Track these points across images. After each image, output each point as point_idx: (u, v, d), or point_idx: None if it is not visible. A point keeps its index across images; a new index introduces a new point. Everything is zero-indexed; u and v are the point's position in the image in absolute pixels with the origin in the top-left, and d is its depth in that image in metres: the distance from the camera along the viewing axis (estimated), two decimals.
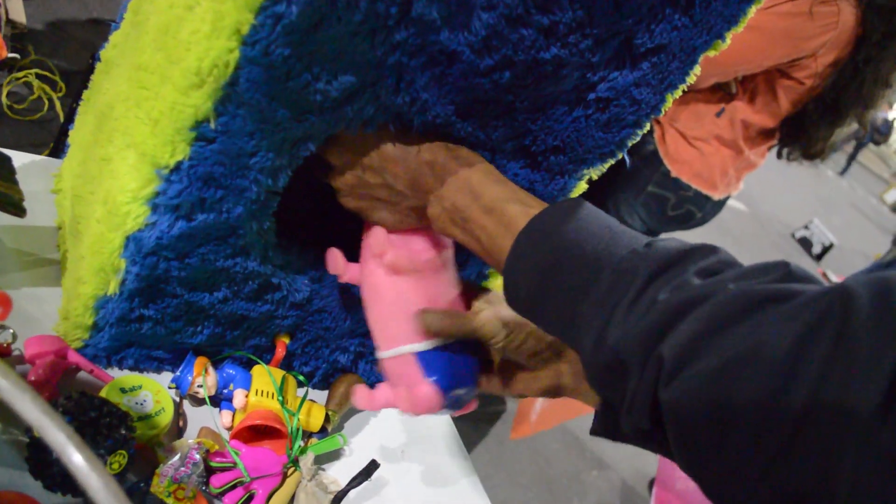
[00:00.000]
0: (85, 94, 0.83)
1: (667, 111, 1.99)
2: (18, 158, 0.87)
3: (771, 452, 0.36)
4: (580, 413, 2.45)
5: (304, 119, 0.57)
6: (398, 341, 0.67)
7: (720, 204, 2.03)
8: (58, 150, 1.78)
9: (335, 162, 0.66)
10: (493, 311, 0.67)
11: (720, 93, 1.87)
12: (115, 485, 0.32)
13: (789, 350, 0.36)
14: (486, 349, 0.73)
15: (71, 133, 0.85)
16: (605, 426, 0.58)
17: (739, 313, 0.40)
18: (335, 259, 0.72)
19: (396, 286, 0.68)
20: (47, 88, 2.34)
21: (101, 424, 0.60)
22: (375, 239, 0.68)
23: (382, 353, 0.69)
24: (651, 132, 1.96)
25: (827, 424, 0.34)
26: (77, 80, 2.30)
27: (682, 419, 0.40)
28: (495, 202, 0.59)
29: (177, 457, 0.66)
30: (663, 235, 1.42)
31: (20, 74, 2.30)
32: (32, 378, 0.66)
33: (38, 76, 2.33)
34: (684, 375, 0.40)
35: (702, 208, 1.99)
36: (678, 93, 0.72)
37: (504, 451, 2.74)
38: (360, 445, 0.89)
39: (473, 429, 2.74)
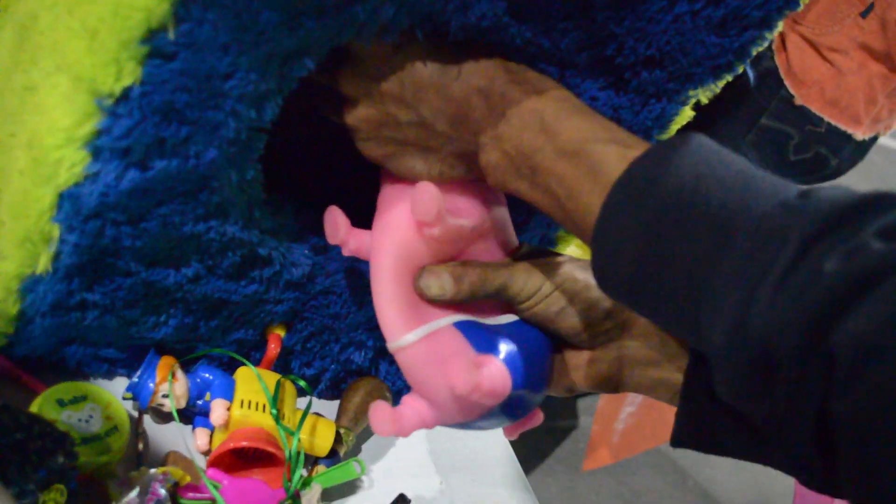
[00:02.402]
0: (1, 1, 0.82)
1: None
2: None
3: None
4: None
5: (298, 24, 0.56)
6: (432, 315, 0.66)
7: (866, 146, 1.99)
8: None
9: (348, 91, 0.65)
10: (526, 266, 0.66)
11: None
12: None
13: None
14: None
15: None
16: (690, 432, 0.58)
17: None
18: (336, 221, 0.71)
19: (435, 254, 0.66)
20: None
21: (31, 450, 0.60)
22: (425, 201, 0.64)
23: (406, 337, 0.65)
24: None
25: None
26: None
27: (868, 440, 0.39)
28: (578, 142, 0.57)
29: (135, 492, 0.66)
30: None
31: None
32: None
33: None
34: (870, 379, 0.38)
35: (838, 152, 1.94)
36: None
37: (578, 483, 2.75)
38: (383, 474, 0.89)
39: (534, 452, 2.76)
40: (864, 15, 1.82)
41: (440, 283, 0.64)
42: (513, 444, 1.00)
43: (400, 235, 0.66)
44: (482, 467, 0.97)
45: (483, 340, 0.65)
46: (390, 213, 0.67)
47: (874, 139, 1.97)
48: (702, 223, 0.48)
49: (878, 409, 0.38)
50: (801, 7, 0.70)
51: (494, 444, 1.01)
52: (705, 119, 1.99)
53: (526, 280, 0.65)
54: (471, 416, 0.65)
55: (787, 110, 1.89)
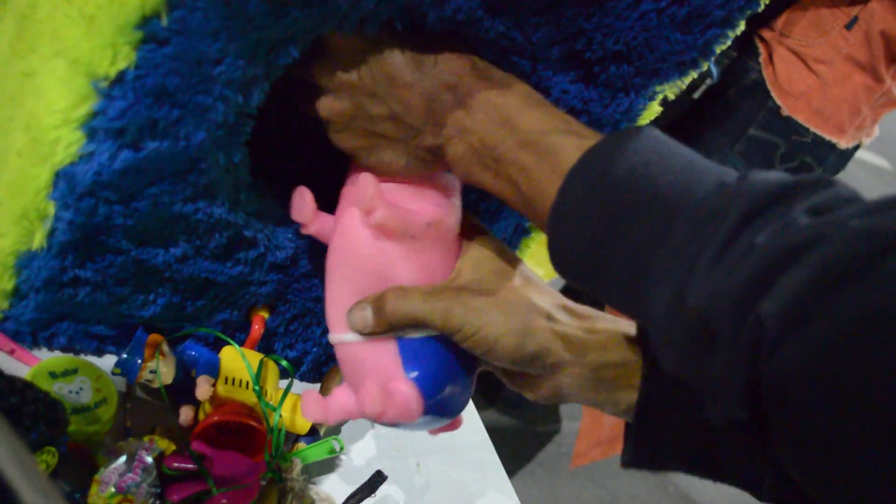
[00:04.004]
0: None
1: (776, 22, 1.99)
2: None
3: None
4: None
5: (285, 13, 0.59)
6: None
7: (848, 155, 2.01)
8: None
9: (323, 81, 0.67)
10: (456, 293, 0.67)
11: None
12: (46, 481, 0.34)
13: None
14: None
15: None
16: (642, 449, 0.60)
17: (864, 260, 0.39)
18: (303, 201, 0.73)
19: (382, 253, 0.68)
20: None
21: (24, 413, 0.63)
22: (363, 190, 0.67)
23: (342, 336, 0.69)
24: (753, 54, 1.95)
25: None
26: None
27: (790, 401, 0.40)
28: (538, 134, 0.60)
29: (122, 459, 0.69)
30: None
31: None
32: None
33: None
34: (794, 343, 0.40)
35: (823, 160, 1.97)
36: None
37: (557, 484, 2.77)
38: (361, 454, 0.92)
39: (516, 456, 2.77)
40: (849, 27, 1.85)
41: (361, 317, 0.66)
42: (494, 446, 1.04)
43: (347, 231, 0.69)
44: (457, 450, 1.00)
45: (411, 352, 0.67)
46: (345, 214, 0.70)
47: (856, 147, 2.00)
48: (649, 206, 0.50)
49: (800, 372, 0.39)
50: (762, 7, 0.74)
51: (469, 430, 1.04)
52: (695, 129, 2.03)
53: (448, 315, 0.65)
54: (390, 422, 0.67)
55: (775, 121, 1.91)
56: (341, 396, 0.69)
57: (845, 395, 0.38)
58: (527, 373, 0.69)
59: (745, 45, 1.98)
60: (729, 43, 0.76)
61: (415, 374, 0.67)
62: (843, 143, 1.94)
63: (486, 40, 0.68)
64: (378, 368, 0.67)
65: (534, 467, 2.78)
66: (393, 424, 0.68)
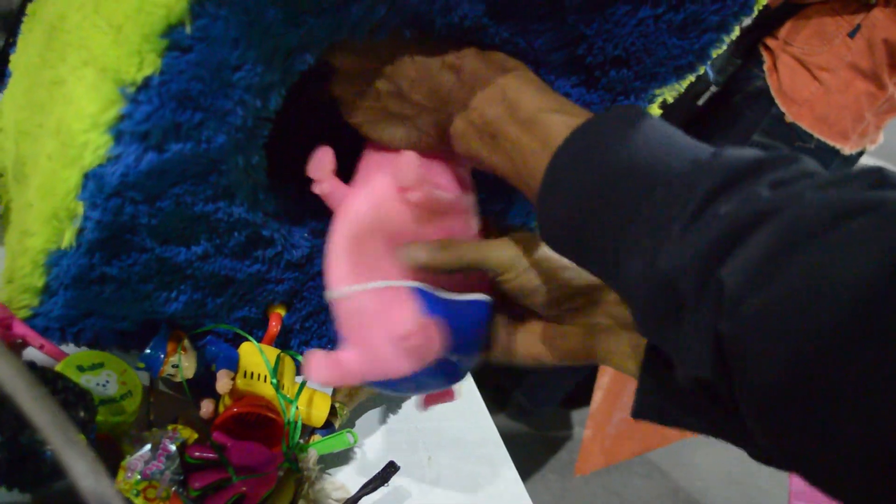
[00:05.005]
0: (30, 7, 0.89)
1: (780, 31, 2.01)
2: None
3: (860, 400, 0.38)
4: (667, 441, 2.48)
5: (301, 22, 0.62)
6: (387, 276, 0.70)
7: (852, 161, 2.04)
8: None
9: (337, 64, 0.71)
10: (508, 241, 0.72)
11: (853, 3, 1.87)
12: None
13: (877, 274, 0.38)
14: (500, 303, 0.76)
15: (12, 58, 0.91)
16: (651, 402, 0.61)
17: (818, 228, 0.42)
18: (323, 160, 0.74)
19: (414, 222, 0.72)
20: None
21: (56, 401, 0.66)
22: (406, 167, 0.70)
23: (352, 287, 0.70)
24: (758, 62, 1.98)
25: None
26: (13, 15, 2.39)
27: (747, 358, 0.43)
28: (534, 113, 0.63)
29: (147, 448, 0.72)
30: None
31: None
32: None
33: None
34: (750, 304, 0.42)
35: (827, 166, 1.99)
36: None
37: (570, 493, 2.79)
38: (374, 447, 0.95)
39: (528, 461, 2.79)
40: (851, 35, 1.87)
41: (429, 250, 0.70)
42: (509, 450, 1.05)
43: (378, 199, 0.72)
44: (467, 445, 1.03)
45: (429, 309, 0.70)
46: (372, 179, 0.73)
47: (860, 153, 2.02)
48: (628, 179, 0.53)
49: (756, 330, 0.42)
50: (755, 13, 0.77)
51: (479, 425, 1.07)
52: (700, 136, 2.04)
53: (501, 256, 0.70)
54: (396, 373, 0.69)
55: (779, 127, 1.93)
56: (345, 354, 0.70)
57: (796, 351, 0.40)
58: (559, 322, 0.74)
59: (750, 54, 2.01)
60: (725, 47, 0.79)
61: (435, 315, 0.69)
62: (847, 149, 1.96)
63: (491, 45, 0.71)
64: (403, 307, 0.69)
65: (546, 473, 2.80)
66: (395, 377, 0.69)
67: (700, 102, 1.99)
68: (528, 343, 0.76)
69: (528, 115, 0.64)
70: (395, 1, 0.64)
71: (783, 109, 1.92)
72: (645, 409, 0.63)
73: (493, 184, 0.71)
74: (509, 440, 1.07)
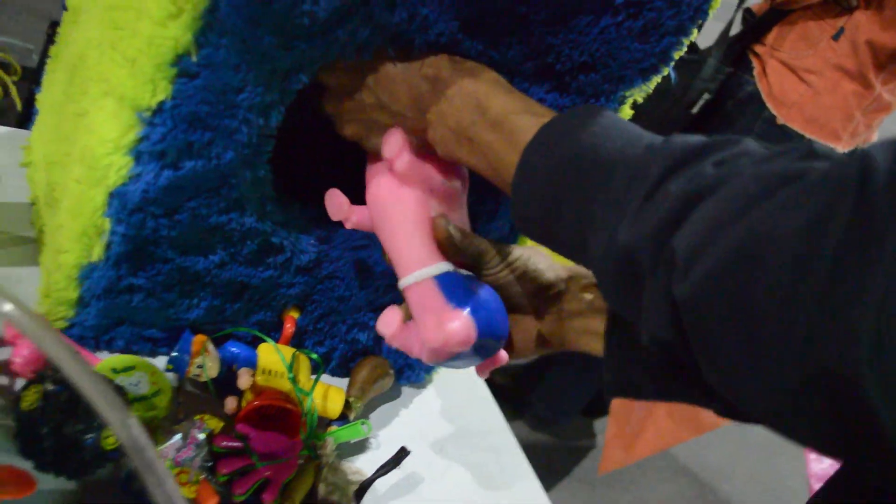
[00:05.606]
0: (52, 49, 0.97)
1: (767, 37, 2.07)
2: None
3: (795, 343, 0.43)
4: (687, 437, 2.49)
5: (293, 46, 0.70)
6: (416, 264, 0.77)
7: None
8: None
9: (328, 82, 0.79)
10: (489, 240, 0.79)
11: (835, 7, 1.93)
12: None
13: (802, 235, 0.44)
14: None
15: (38, 97, 1.00)
16: (619, 375, 0.67)
17: (752, 198, 0.48)
18: (338, 201, 0.83)
19: (413, 197, 0.78)
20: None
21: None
22: (391, 140, 0.77)
23: (402, 282, 0.79)
24: (747, 68, 2.03)
25: (845, 308, 0.41)
26: (35, 60, 2.49)
27: (699, 317, 0.48)
28: (503, 115, 0.70)
29: (178, 436, 0.79)
30: None
31: None
32: (15, 360, 0.80)
33: None
34: (697, 269, 0.48)
35: None
36: None
37: (595, 495, 2.82)
38: (388, 439, 1.01)
39: (553, 470, 2.82)
40: (836, 38, 1.92)
41: (455, 227, 0.77)
42: (531, 459, 1.12)
43: (382, 193, 0.80)
44: (477, 435, 1.09)
45: (458, 292, 0.77)
46: (372, 182, 0.81)
47: None
48: (591, 168, 0.60)
49: (703, 291, 0.47)
50: (710, 17, 0.83)
51: (489, 415, 1.14)
52: None
53: (494, 253, 0.78)
54: (447, 356, 0.77)
55: (771, 130, 1.98)
56: (410, 328, 0.80)
57: (740, 307, 0.46)
58: (534, 314, 0.81)
59: (740, 61, 2.06)
60: (685, 48, 0.85)
61: (465, 307, 0.76)
62: (841, 149, 2.00)
63: (468, 58, 0.78)
64: (430, 309, 0.76)
65: (570, 482, 2.83)
66: (449, 359, 0.78)
67: (694, 111, 2.05)
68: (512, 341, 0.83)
69: (498, 118, 0.70)
70: (376, 23, 0.72)
71: (774, 112, 1.97)
72: (615, 384, 0.69)
73: (482, 185, 0.77)
74: (530, 450, 1.13)
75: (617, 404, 2.27)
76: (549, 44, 0.81)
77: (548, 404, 2.87)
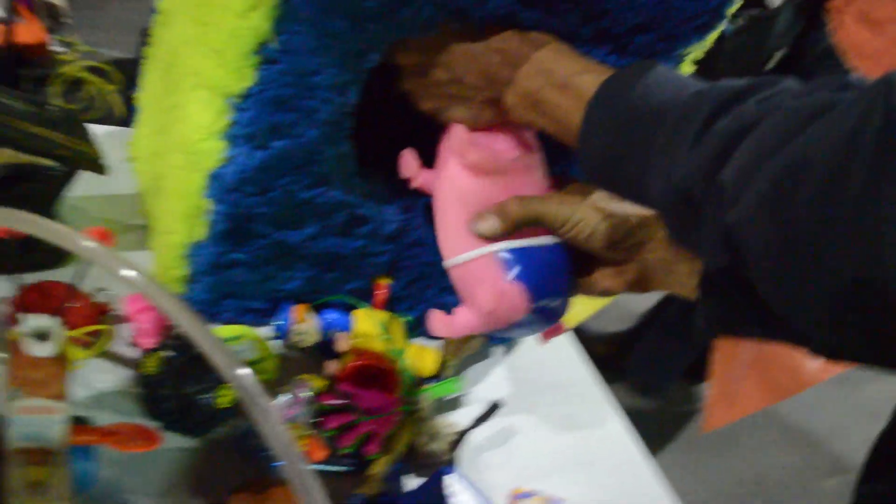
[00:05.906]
0: (147, 51, 1.05)
1: None
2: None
3: (833, 249, 0.47)
4: (791, 392, 2.43)
5: (363, 28, 0.75)
6: (476, 244, 0.81)
7: None
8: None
9: (402, 62, 0.84)
10: (559, 197, 0.83)
11: None
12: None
13: (838, 150, 0.47)
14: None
15: (138, 96, 1.08)
16: (711, 313, 0.70)
17: (792, 130, 0.51)
18: (408, 160, 0.87)
19: (482, 188, 0.82)
20: (99, 82, 2.64)
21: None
22: (456, 138, 0.83)
23: (456, 259, 0.83)
24: (820, 23, 2.01)
25: (878, 214, 0.44)
26: (132, 67, 2.60)
27: (749, 241, 0.53)
28: (566, 77, 0.75)
29: (287, 395, 0.86)
30: None
31: (68, 70, 2.60)
32: (137, 334, 0.88)
33: (88, 69, 2.63)
34: (744, 197, 0.52)
35: None
36: None
37: (700, 456, 2.82)
38: (480, 396, 1.07)
39: (658, 436, 2.82)
40: None
41: (489, 224, 0.80)
42: (637, 425, 1.15)
43: (453, 178, 0.84)
44: (567, 387, 1.15)
45: (512, 263, 0.80)
46: (446, 163, 0.85)
47: None
48: (646, 114, 0.65)
49: (751, 218, 0.52)
50: None
51: (578, 370, 1.19)
52: None
53: (558, 210, 0.81)
54: (504, 324, 0.81)
55: None
56: (462, 313, 0.83)
57: (784, 229, 0.50)
58: (616, 260, 0.83)
59: (814, 16, 2.04)
60: (740, 3, 0.88)
61: (519, 276, 0.80)
62: None
63: (526, 27, 0.81)
64: (486, 278, 0.81)
65: (676, 446, 2.82)
66: (507, 327, 0.82)
67: (770, 66, 2.04)
68: (596, 281, 0.85)
69: (562, 80, 0.75)
70: (438, 1, 0.77)
71: (853, 65, 1.95)
72: (707, 322, 0.71)
73: (553, 145, 0.82)
74: (633, 416, 1.16)
75: (718, 364, 2.26)
76: (604, 8, 0.85)
77: (648, 370, 2.87)
